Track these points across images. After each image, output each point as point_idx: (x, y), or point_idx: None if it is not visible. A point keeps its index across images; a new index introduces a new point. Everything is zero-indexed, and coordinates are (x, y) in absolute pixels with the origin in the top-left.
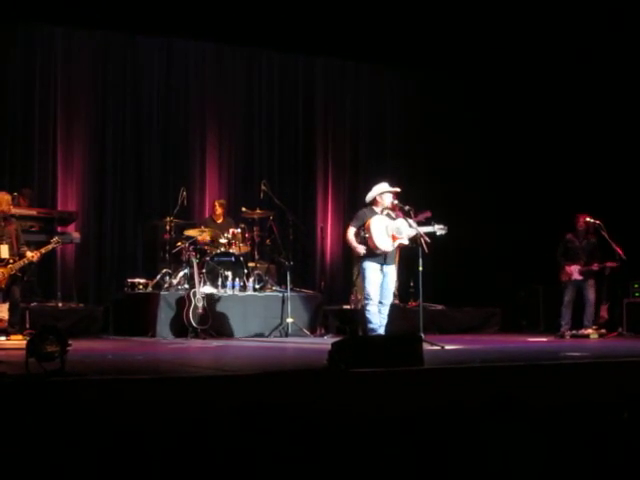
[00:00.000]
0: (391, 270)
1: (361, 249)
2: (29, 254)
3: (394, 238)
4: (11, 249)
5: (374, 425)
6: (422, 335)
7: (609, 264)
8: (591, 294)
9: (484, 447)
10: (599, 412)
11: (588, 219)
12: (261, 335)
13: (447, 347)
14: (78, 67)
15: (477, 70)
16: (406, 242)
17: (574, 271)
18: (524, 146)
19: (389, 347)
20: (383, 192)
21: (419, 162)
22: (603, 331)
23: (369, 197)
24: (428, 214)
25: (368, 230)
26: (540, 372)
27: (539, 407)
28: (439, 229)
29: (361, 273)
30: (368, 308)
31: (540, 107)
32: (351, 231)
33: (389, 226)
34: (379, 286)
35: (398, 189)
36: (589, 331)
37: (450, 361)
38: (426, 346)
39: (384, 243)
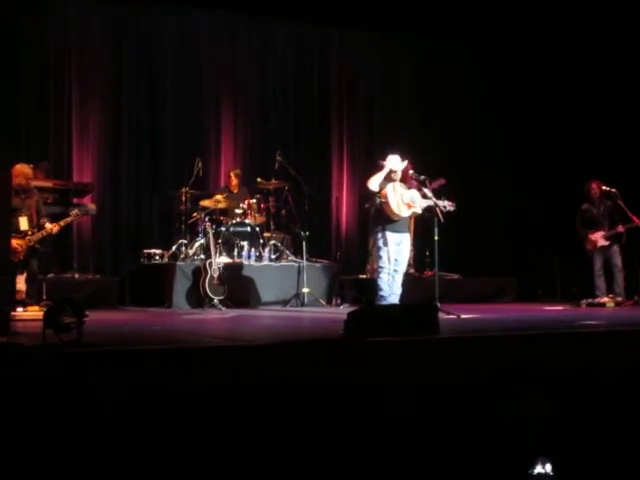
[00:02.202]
0: (405, 238)
1: (381, 174)
2: (48, 226)
3: (409, 206)
4: (30, 221)
5: (391, 394)
6: (438, 304)
7: (637, 222)
8: (618, 260)
9: (500, 415)
10: (613, 380)
11: (603, 187)
12: (277, 305)
13: (463, 316)
14: (92, 39)
15: (492, 37)
16: (419, 211)
17: (599, 238)
18: (539, 113)
19: (405, 316)
20: (394, 166)
21: (433, 131)
22: (619, 299)
23: (382, 164)
24: (442, 181)
25: (385, 197)
26: (555, 340)
27: (553, 375)
28: (448, 205)
29: (376, 241)
30: (381, 276)
31: (556, 74)
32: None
33: (404, 194)
34: (393, 254)
35: (404, 163)
36: (605, 299)
37: (466, 330)
38: (442, 315)
39: (402, 209)
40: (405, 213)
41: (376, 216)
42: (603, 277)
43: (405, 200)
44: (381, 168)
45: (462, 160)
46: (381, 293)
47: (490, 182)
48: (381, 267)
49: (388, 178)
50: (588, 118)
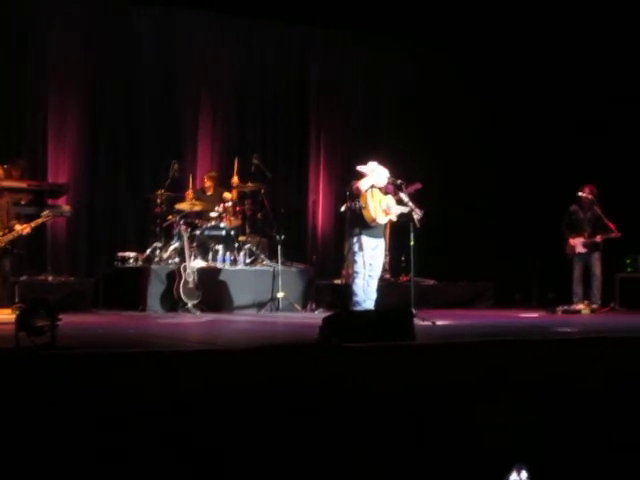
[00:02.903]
0: (380, 243)
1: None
2: (18, 227)
3: (386, 213)
4: (1, 223)
5: (365, 400)
6: (413, 310)
7: (614, 235)
8: (597, 268)
9: (474, 421)
10: (584, 386)
11: (591, 195)
12: (252, 310)
13: (438, 322)
14: (70, 38)
15: (478, 37)
16: (395, 219)
17: (578, 244)
18: (522, 112)
19: (380, 322)
20: (375, 177)
21: (413, 135)
22: (595, 306)
23: (361, 171)
24: (419, 186)
25: (364, 201)
26: (529, 348)
27: (528, 382)
28: (415, 214)
29: (351, 246)
30: (356, 282)
31: (541, 75)
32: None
33: (382, 200)
34: (368, 259)
35: (391, 178)
36: (580, 306)
37: (441, 336)
38: (417, 321)
39: (379, 216)
40: (382, 220)
41: (352, 220)
42: (581, 284)
43: (383, 206)
44: (360, 177)
45: (443, 163)
46: (356, 298)
47: (468, 183)
48: (356, 272)
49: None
50: (573, 116)
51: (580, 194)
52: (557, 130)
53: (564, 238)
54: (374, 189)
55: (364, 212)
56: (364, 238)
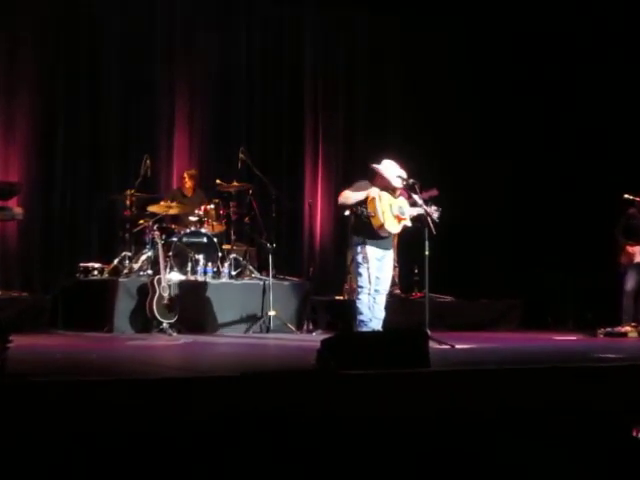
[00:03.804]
0: (389, 255)
1: (361, 194)
2: None
3: (399, 219)
4: None
5: (370, 436)
6: (428, 331)
7: None
8: None
9: (497, 462)
10: (631, 422)
11: None
12: (238, 330)
13: (458, 346)
14: (25, 21)
15: (493, 22)
16: (409, 224)
17: (637, 252)
18: (549, 103)
19: (389, 345)
20: (390, 178)
21: (424, 124)
22: None
23: (375, 169)
24: (435, 193)
25: (372, 208)
26: (566, 376)
27: (563, 417)
28: (434, 211)
29: (355, 258)
30: (360, 297)
31: (568, 64)
32: (347, 191)
33: (393, 205)
34: (375, 272)
35: (404, 179)
36: (627, 328)
37: (461, 362)
38: (433, 344)
39: (391, 224)
40: (394, 229)
41: (357, 226)
42: (633, 300)
43: (394, 212)
44: (373, 174)
45: (458, 163)
46: (361, 317)
47: (490, 186)
48: (361, 287)
49: (381, 186)
50: (613, 106)
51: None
52: (595, 122)
53: (619, 246)
54: (382, 192)
55: (372, 221)
56: (369, 248)
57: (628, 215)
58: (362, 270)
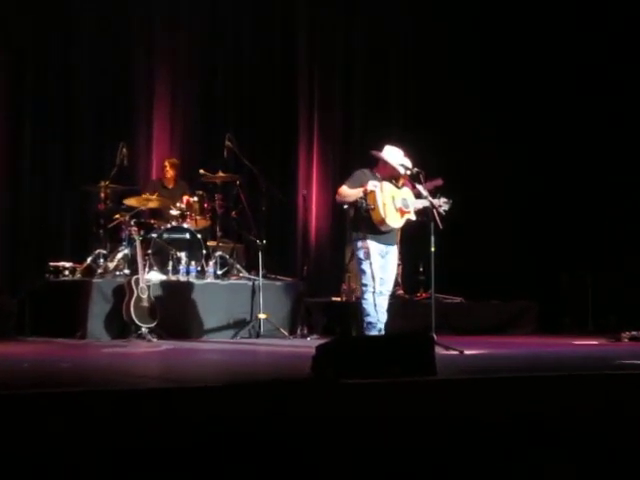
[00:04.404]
0: (393, 251)
1: (358, 191)
2: None
3: (402, 213)
4: None
5: (371, 451)
6: (434, 336)
7: None
8: None
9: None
10: None
11: None
12: (225, 336)
13: (467, 352)
14: None
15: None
16: (414, 218)
17: None
18: (566, 87)
19: (391, 351)
20: (395, 164)
21: (427, 113)
22: None
23: (377, 155)
24: (439, 182)
25: (373, 200)
26: (587, 385)
27: (585, 430)
28: (443, 204)
29: (356, 255)
30: (366, 297)
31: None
32: (344, 188)
33: (396, 197)
34: (379, 272)
35: (407, 167)
36: None
37: (471, 370)
38: (439, 350)
39: (393, 218)
40: (397, 223)
41: (356, 220)
42: None
43: (397, 204)
44: (377, 162)
45: (465, 149)
46: (368, 319)
47: (502, 178)
48: (365, 285)
49: (384, 175)
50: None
51: None
52: (621, 106)
53: None
54: (385, 182)
55: (373, 215)
56: (371, 243)
57: None
58: (365, 267)
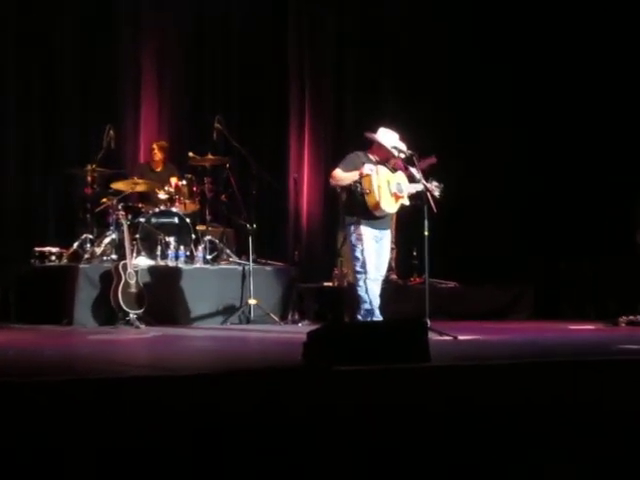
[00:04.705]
0: (387, 236)
1: (354, 174)
2: None
3: (397, 197)
4: None
5: (364, 439)
6: (428, 321)
7: None
8: None
9: (504, 467)
10: None
11: None
12: (214, 322)
13: (461, 337)
14: None
15: None
16: (407, 203)
17: None
18: (564, 66)
19: (384, 338)
20: (389, 147)
21: (425, 90)
22: None
23: (371, 137)
24: (433, 160)
25: (368, 184)
26: (585, 371)
27: (583, 418)
28: (435, 187)
29: (349, 240)
30: (360, 284)
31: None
32: (339, 171)
33: (391, 181)
34: (373, 257)
35: (401, 150)
36: None
37: (465, 356)
38: (433, 336)
39: (388, 203)
40: (392, 208)
41: (349, 204)
42: None
43: (392, 189)
44: (372, 144)
45: (461, 130)
46: (365, 307)
47: (499, 159)
48: (358, 271)
49: (379, 158)
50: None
51: None
52: (619, 91)
53: (636, 225)
54: (380, 166)
55: (367, 199)
56: (365, 228)
57: None
58: (358, 253)
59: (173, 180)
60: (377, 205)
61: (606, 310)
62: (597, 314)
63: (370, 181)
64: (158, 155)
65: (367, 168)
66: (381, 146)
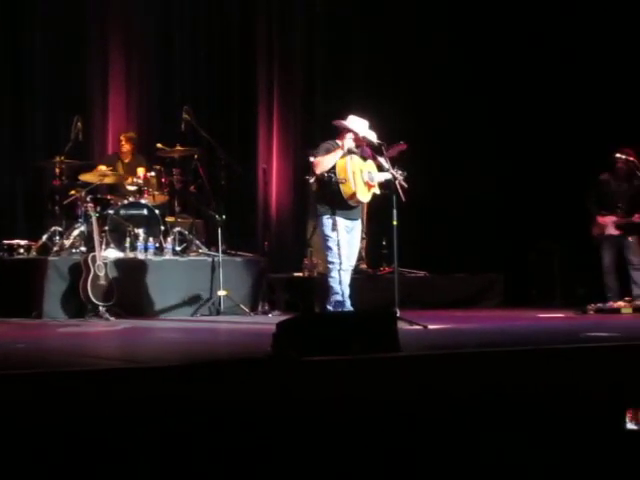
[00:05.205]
0: (357, 226)
1: (337, 153)
2: None
3: (369, 186)
4: None
5: (334, 430)
6: (398, 311)
7: None
8: (634, 255)
9: (475, 455)
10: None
11: (632, 159)
12: (184, 314)
13: (431, 326)
14: None
15: None
16: (378, 192)
17: (608, 223)
18: (531, 59)
19: (353, 328)
20: (359, 133)
21: (396, 78)
22: (639, 303)
23: (340, 124)
24: (403, 147)
25: (344, 172)
26: (554, 358)
27: (552, 405)
28: (399, 175)
29: (322, 231)
30: (332, 275)
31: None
32: (320, 157)
33: (363, 169)
34: (345, 247)
35: (376, 139)
36: (620, 304)
37: (434, 345)
38: (403, 325)
39: (362, 192)
40: (366, 197)
41: (323, 194)
42: (615, 275)
43: (365, 178)
44: (341, 132)
45: (432, 120)
46: (337, 298)
47: (468, 149)
48: (331, 262)
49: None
50: (606, 64)
51: (618, 156)
52: (588, 80)
53: (591, 216)
54: (353, 155)
55: (342, 187)
56: (337, 218)
57: (600, 182)
58: (331, 244)
59: (141, 171)
60: (353, 194)
61: (574, 297)
62: (566, 301)
63: (345, 169)
64: (126, 146)
65: (348, 142)
66: (351, 133)
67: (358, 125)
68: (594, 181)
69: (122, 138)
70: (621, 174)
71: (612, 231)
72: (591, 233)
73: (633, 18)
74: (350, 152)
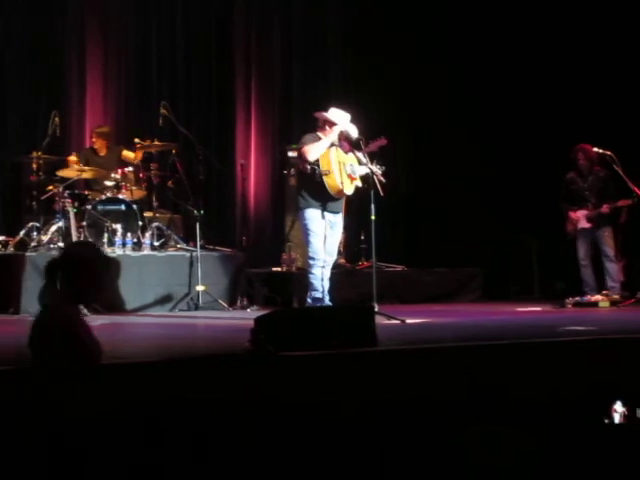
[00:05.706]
0: (339, 220)
1: (328, 138)
2: None
3: (351, 179)
4: None
5: (312, 425)
6: (375, 305)
7: (622, 203)
8: (608, 247)
9: (454, 450)
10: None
11: (595, 149)
12: (162, 309)
13: (409, 321)
14: None
15: None
16: (360, 184)
17: (580, 218)
18: (511, 57)
19: (331, 323)
20: (343, 125)
21: (374, 73)
22: (616, 297)
23: (321, 117)
24: (383, 142)
25: (328, 164)
26: (531, 353)
27: (530, 399)
28: (379, 169)
29: (303, 223)
30: (313, 271)
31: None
32: (307, 147)
33: (345, 162)
34: (327, 241)
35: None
36: (598, 298)
37: (413, 339)
38: (381, 320)
39: (346, 184)
40: (349, 190)
41: (304, 187)
42: (590, 268)
43: (347, 170)
44: (322, 125)
45: (411, 113)
46: (316, 294)
47: (448, 142)
48: (312, 258)
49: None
50: (581, 64)
51: (578, 154)
52: (563, 78)
53: (564, 214)
54: (336, 147)
55: (327, 179)
56: (318, 212)
57: (567, 181)
58: (312, 239)
59: (130, 154)
60: (337, 187)
61: (553, 291)
62: (545, 295)
63: (329, 161)
64: (98, 142)
65: (334, 133)
66: (332, 125)
67: (339, 117)
68: (563, 181)
69: (93, 134)
70: (584, 169)
71: (584, 224)
72: (565, 230)
73: (612, 19)
74: (333, 145)
